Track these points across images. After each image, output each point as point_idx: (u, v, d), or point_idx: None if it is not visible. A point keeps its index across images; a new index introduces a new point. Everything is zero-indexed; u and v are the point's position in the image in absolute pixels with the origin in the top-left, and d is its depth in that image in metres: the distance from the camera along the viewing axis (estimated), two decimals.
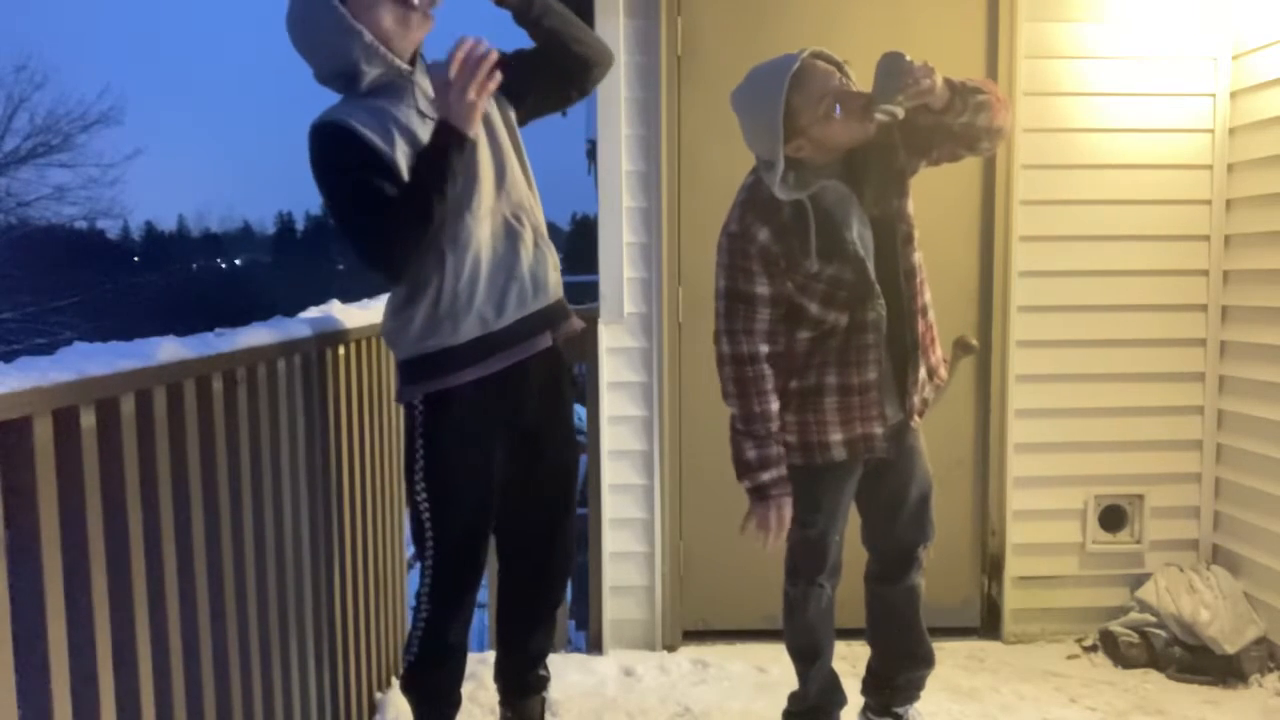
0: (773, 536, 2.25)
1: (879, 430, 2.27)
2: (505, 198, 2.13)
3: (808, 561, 2.39)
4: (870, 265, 2.20)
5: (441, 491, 2.15)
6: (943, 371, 2.43)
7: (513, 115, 2.20)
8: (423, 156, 1.98)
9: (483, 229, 2.08)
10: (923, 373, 2.33)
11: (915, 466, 2.41)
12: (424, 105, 2.06)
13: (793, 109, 2.09)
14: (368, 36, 1.96)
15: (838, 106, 2.09)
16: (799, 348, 2.26)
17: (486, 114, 2.10)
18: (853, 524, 2.46)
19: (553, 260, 2.22)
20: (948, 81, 2.08)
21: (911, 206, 2.29)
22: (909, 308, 2.27)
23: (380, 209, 1.96)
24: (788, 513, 2.25)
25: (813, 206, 2.16)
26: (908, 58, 2.01)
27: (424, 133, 2.02)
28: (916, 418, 2.36)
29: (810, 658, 2.47)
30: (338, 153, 1.98)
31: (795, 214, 2.17)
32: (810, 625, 2.43)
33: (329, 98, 2.10)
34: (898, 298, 2.25)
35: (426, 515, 2.16)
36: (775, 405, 2.24)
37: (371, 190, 1.96)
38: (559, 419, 2.30)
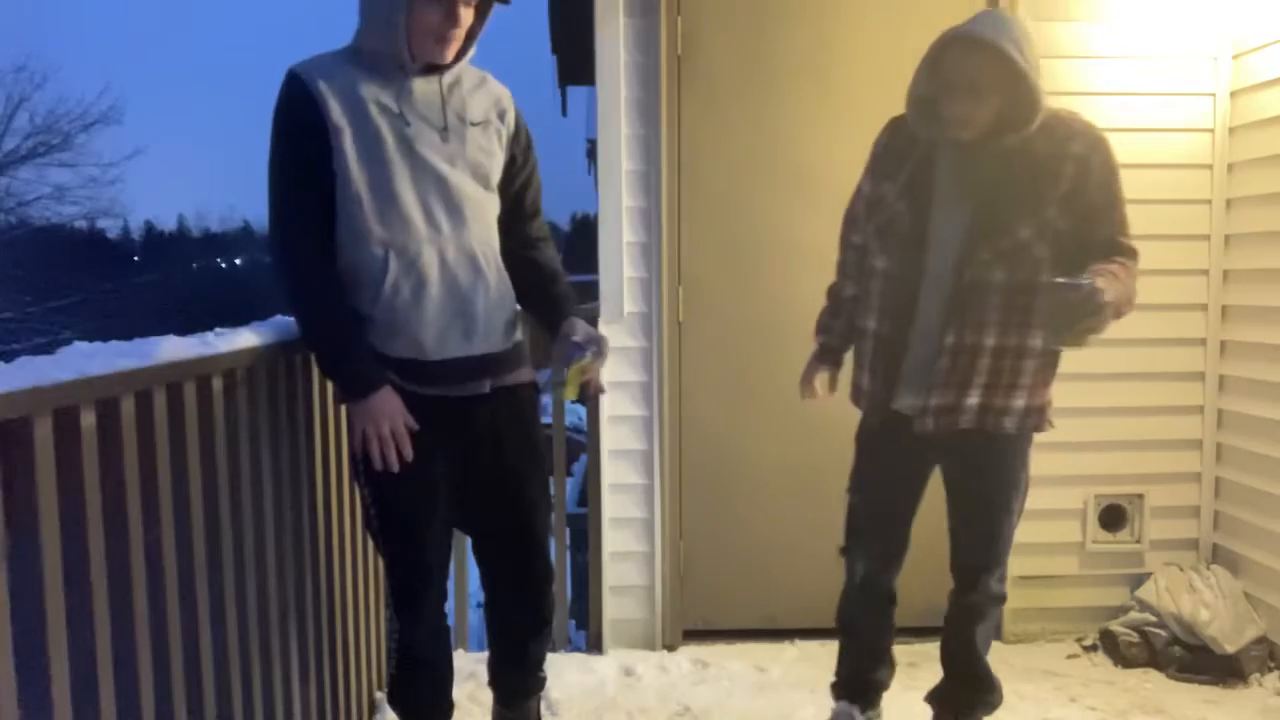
0: (802, 385, 2.49)
1: (875, 388, 2.30)
2: (469, 232, 2.07)
3: (847, 528, 2.47)
4: (929, 237, 2.20)
5: (382, 493, 2.07)
6: (1006, 424, 2.23)
7: (500, 167, 2.15)
8: (335, 357, 2.02)
9: (432, 254, 2.02)
10: (965, 399, 2.21)
11: (980, 485, 2.32)
12: (408, 104, 2.01)
13: (936, 89, 2.15)
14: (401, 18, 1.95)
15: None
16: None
17: (471, 142, 2.08)
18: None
19: (512, 313, 2.17)
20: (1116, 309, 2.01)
21: (1041, 248, 2.15)
22: (956, 312, 2.17)
23: (290, 203, 1.99)
24: (814, 375, 2.48)
25: (931, 157, 2.22)
26: (1102, 294, 1.92)
27: (389, 128, 1.99)
28: (930, 421, 2.23)
29: (842, 630, 2.55)
30: (289, 114, 1.97)
31: (919, 148, 2.24)
32: (847, 596, 2.50)
33: None
34: (954, 293, 2.18)
35: (375, 519, 2.11)
36: (850, 292, 2.44)
37: (293, 175, 1.98)
38: (520, 455, 2.21)
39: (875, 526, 2.42)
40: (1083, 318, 1.96)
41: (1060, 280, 1.98)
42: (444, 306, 2.04)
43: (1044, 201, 2.14)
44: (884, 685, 2.56)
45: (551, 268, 2.29)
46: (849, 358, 2.46)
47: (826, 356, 2.50)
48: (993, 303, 2.15)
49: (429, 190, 2.02)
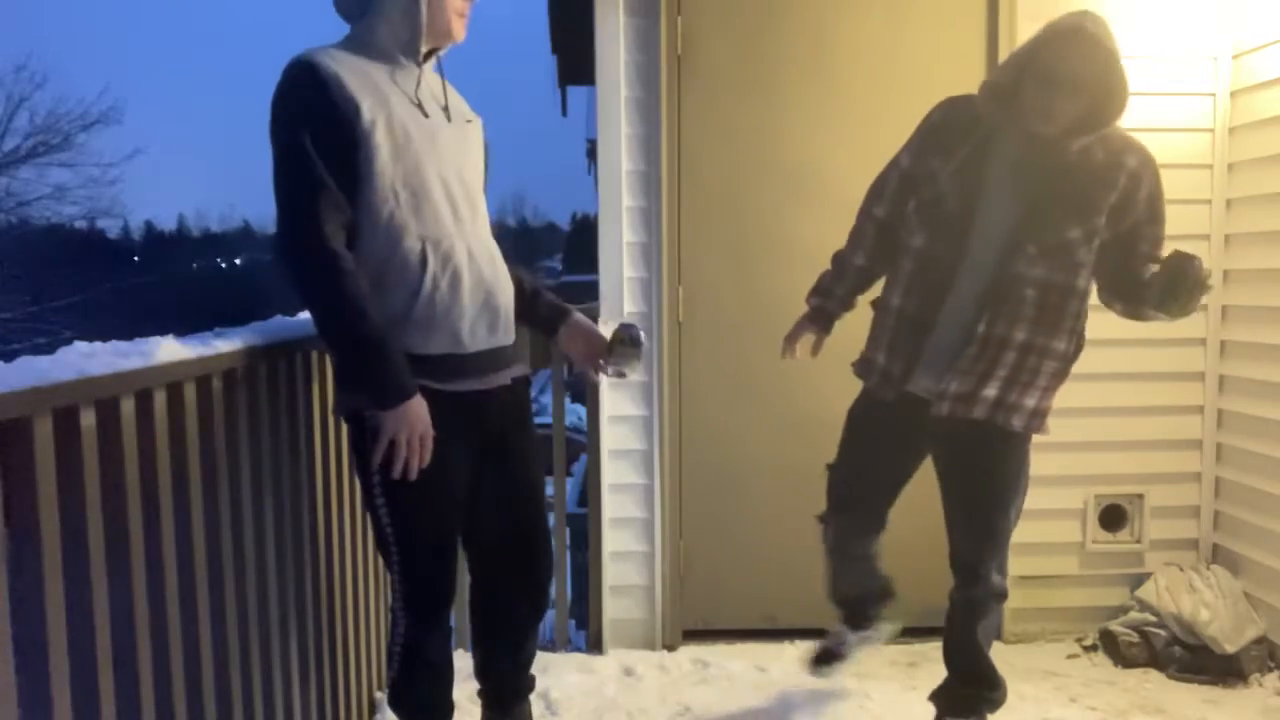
0: (785, 342, 2.52)
1: (891, 365, 2.30)
2: (482, 224, 2.08)
3: (828, 501, 2.50)
4: (975, 222, 2.20)
5: (403, 503, 2.00)
6: (1014, 421, 2.26)
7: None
8: (375, 366, 1.87)
9: (462, 246, 1.99)
10: (983, 389, 2.23)
11: (975, 481, 2.34)
12: (423, 95, 1.99)
13: (1024, 79, 2.13)
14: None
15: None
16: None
17: (470, 134, 2.09)
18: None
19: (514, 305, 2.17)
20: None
21: (1084, 253, 2.20)
22: (992, 302, 2.19)
23: (317, 199, 1.83)
24: (799, 335, 2.51)
25: (991, 143, 2.21)
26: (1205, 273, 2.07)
27: (412, 120, 1.95)
28: (946, 406, 2.24)
29: (829, 574, 2.61)
30: (297, 103, 1.86)
31: (979, 132, 2.23)
32: (827, 552, 2.56)
33: None
34: (993, 283, 2.20)
35: (389, 528, 2.03)
36: (860, 262, 2.46)
37: (319, 170, 1.84)
38: (523, 447, 2.21)
39: (855, 505, 2.45)
40: (1194, 289, 2.07)
41: (1185, 252, 2.09)
42: (474, 298, 2.02)
43: (1096, 208, 2.17)
44: (875, 613, 2.66)
45: (520, 272, 2.30)
46: (840, 328, 2.50)
47: (818, 319, 2.51)
48: (1029, 298, 2.19)
49: (451, 181, 2.01)
